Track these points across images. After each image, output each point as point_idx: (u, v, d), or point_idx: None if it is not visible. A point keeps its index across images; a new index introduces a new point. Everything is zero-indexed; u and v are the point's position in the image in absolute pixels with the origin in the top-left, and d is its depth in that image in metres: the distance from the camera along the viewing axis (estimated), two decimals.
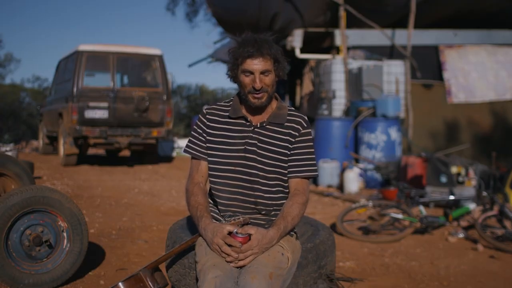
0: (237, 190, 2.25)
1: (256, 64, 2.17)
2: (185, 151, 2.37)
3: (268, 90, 2.21)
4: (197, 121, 2.36)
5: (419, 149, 9.03)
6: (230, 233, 2.11)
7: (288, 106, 2.35)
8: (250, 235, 2.06)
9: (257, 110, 2.28)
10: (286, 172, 2.27)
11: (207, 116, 2.33)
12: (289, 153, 2.27)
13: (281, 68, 2.23)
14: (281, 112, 2.30)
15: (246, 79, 2.20)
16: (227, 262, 2.07)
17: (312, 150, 2.31)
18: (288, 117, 2.29)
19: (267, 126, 2.27)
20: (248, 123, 2.28)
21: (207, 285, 1.98)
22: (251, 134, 2.26)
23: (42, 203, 3.12)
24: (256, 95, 2.20)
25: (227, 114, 2.30)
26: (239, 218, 2.20)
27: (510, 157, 9.68)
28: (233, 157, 2.25)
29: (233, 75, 2.25)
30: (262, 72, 2.18)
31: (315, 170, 2.31)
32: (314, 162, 2.32)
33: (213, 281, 1.99)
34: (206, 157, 2.31)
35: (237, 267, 2.06)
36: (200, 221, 2.17)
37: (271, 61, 2.19)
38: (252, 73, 2.18)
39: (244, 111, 2.29)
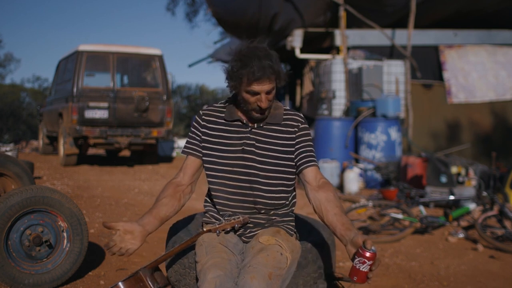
0: (235, 190, 2.25)
1: (262, 86, 2.14)
2: (182, 151, 2.38)
3: (271, 104, 2.23)
4: (193, 122, 2.38)
5: (419, 149, 9.03)
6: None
7: (284, 106, 2.36)
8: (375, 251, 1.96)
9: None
10: (289, 169, 2.27)
11: (203, 117, 2.33)
12: (292, 149, 2.27)
13: (281, 79, 2.21)
14: (277, 112, 2.30)
15: (251, 98, 2.18)
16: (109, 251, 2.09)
17: (311, 143, 2.32)
18: (284, 116, 2.30)
19: (264, 126, 2.28)
20: (244, 124, 2.28)
21: (207, 285, 1.99)
22: (249, 135, 2.26)
23: (42, 203, 3.12)
24: (259, 112, 2.21)
25: (223, 115, 2.31)
26: (238, 218, 2.21)
27: (510, 157, 9.68)
28: (230, 158, 2.25)
29: (236, 90, 2.21)
30: (268, 92, 2.17)
31: (316, 161, 2.32)
32: (313, 154, 2.32)
33: (213, 281, 1.99)
34: (195, 153, 2.32)
35: (236, 264, 2.05)
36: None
37: (274, 78, 2.17)
38: (258, 93, 2.16)
39: (240, 114, 2.29)
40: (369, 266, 1.94)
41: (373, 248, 1.93)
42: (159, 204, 2.25)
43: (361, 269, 1.95)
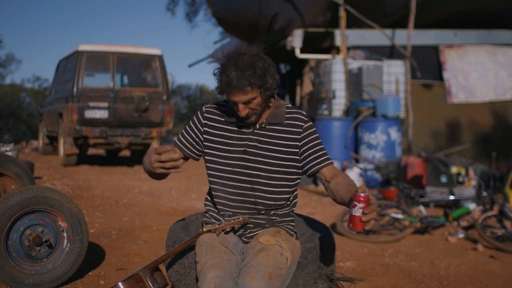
0: (236, 191, 2.24)
1: (237, 97, 2.13)
2: (174, 142, 2.38)
3: (256, 112, 2.19)
4: (194, 117, 2.36)
5: (419, 149, 9.03)
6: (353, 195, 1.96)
7: (286, 104, 2.34)
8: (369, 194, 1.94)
9: None
10: (292, 170, 2.26)
11: (205, 114, 2.33)
12: (297, 150, 2.26)
13: (268, 88, 2.16)
14: (279, 111, 2.29)
15: (233, 105, 2.19)
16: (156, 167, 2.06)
17: (321, 141, 2.30)
18: (286, 115, 2.28)
19: (267, 127, 2.27)
20: (246, 125, 2.27)
21: (207, 285, 1.98)
22: (251, 136, 2.26)
23: (42, 203, 3.12)
24: (241, 119, 2.21)
25: (226, 115, 2.31)
26: (238, 218, 2.21)
27: (510, 157, 9.68)
28: (232, 158, 2.25)
29: (221, 94, 2.23)
30: (245, 103, 2.15)
31: (330, 159, 2.30)
32: (326, 152, 2.31)
33: (213, 281, 1.99)
34: (184, 149, 2.32)
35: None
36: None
37: (254, 89, 2.12)
38: (236, 103, 2.15)
39: None
40: (360, 210, 1.88)
41: (366, 192, 1.89)
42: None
43: (352, 213, 1.91)
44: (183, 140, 2.33)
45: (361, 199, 1.88)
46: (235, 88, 2.10)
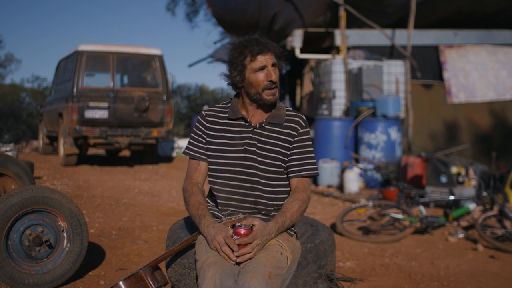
0: (237, 190, 2.26)
1: (267, 59, 2.22)
2: (184, 152, 2.38)
3: (277, 86, 2.27)
4: (196, 123, 2.38)
5: (419, 149, 9.03)
6: (232, 226, 2.12)
7: (286, 107, 2.37)
8: (253, 226, 2.07)
9: (256, 111, 2.29)
10: (284, 170, 2.29)
11: (206, 118, 2.34)
12: (289, 153, 2.28)
13: (281, 64, 2.30)
14: (280, 112, 2.32)
15: (260, 76, 2.22)
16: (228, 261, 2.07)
17: (311, 149, 2.33)
18: (286, 117, 2.31)
19: (266, 126, 2.29)
20: (247, 124, 2.29)
21: (207, 282, 1.99)
22: (251, 135, 2.28)
23: (42, 203, 3.12)
24: (271, 91, 2.24)
25: (226, 115, 2.32)
26: (239, 215, 2.20)
27: (510, 157, 9.68)
28: (233, 158, 2.26)
29: (241, 79, 2.25)
30: (273, 65, 2.24)
31: (316, 169, 2.32)
32: (314, 160, 2.33)
33: (213, 278, 1.99)
34: (206, 158, 2.32)
35: (240, 263, 2.07)
36: (203, 219, 2.18)
37: (277, 57, 2.27)
38: (265, 67, 2.22)
39: (243, 112, 2.30)
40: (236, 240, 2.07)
41: (245, 225, 2.06)
42: (206, 206, 2.26)
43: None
44: (198, 150, 2.33)
45: (238, 232, 2.06)
46: (263, 49, 2.21)
